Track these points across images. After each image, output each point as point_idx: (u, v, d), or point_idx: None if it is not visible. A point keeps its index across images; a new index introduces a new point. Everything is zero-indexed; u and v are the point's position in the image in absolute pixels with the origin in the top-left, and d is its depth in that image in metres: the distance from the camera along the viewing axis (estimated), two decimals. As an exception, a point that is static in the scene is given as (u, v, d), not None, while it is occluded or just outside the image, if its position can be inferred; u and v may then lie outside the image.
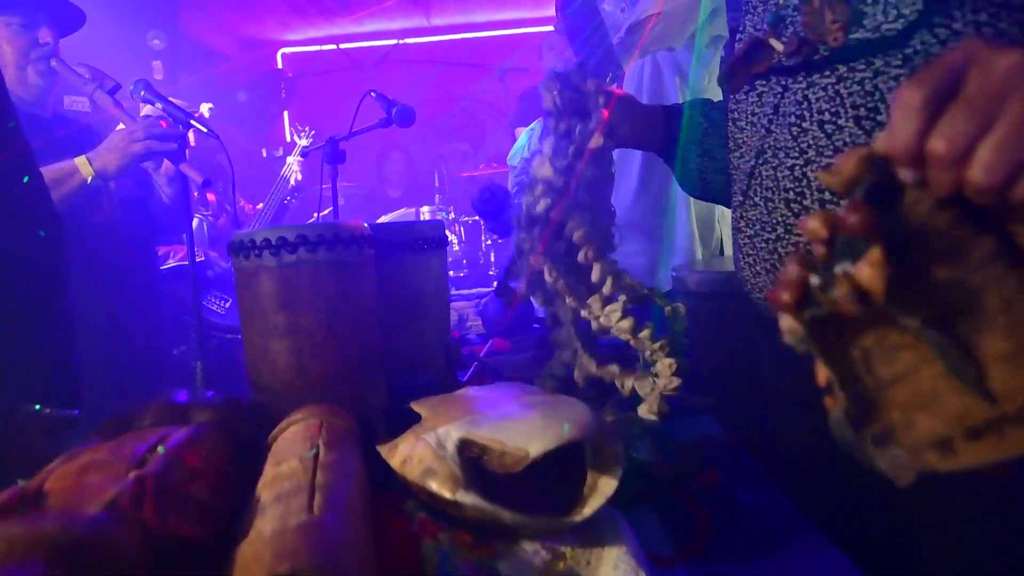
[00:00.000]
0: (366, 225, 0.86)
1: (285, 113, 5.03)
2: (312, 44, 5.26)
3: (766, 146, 0.78)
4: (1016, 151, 0.39)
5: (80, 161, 1.35)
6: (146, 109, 1.49)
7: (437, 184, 3.73)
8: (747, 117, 0.84)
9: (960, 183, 0.40)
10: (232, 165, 1.75)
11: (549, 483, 0.60)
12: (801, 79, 0.74)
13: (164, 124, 1.38)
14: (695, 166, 1.07)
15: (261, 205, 2.86)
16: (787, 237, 0.78)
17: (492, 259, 3.35)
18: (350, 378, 0.81)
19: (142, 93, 1.47)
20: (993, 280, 0.41)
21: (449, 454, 0.56)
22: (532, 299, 1.08)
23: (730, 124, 0.90)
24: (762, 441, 0.93)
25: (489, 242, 3.41)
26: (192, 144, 2.55)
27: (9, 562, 0.36)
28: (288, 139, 5.14)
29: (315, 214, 3.38)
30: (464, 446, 0.57)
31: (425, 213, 3.56)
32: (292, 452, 0.60)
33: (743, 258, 0.89)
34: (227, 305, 2.34)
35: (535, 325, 1.74)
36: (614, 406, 0.96)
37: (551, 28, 4.64)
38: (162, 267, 2.13)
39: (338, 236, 0.78)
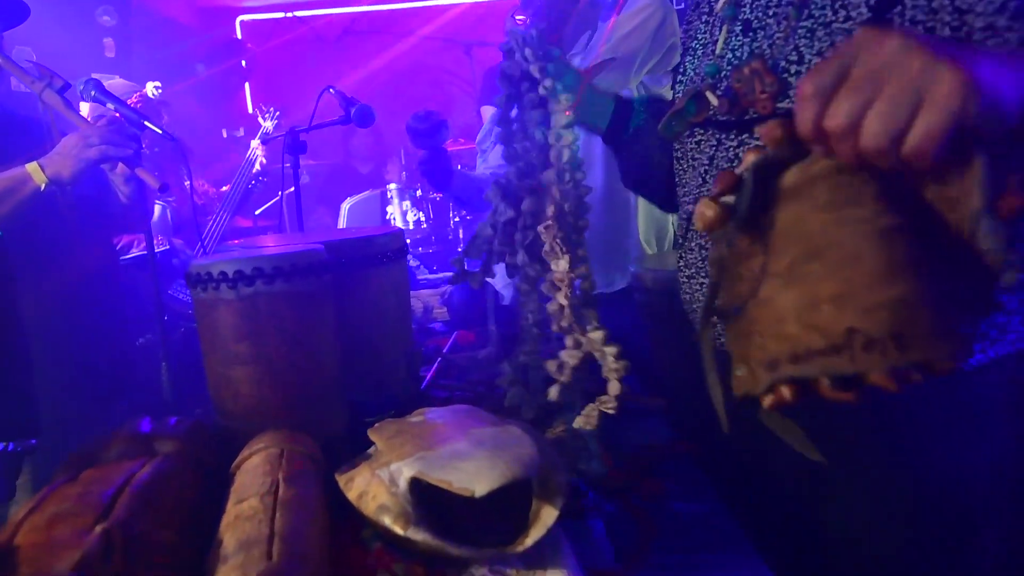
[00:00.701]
0: (323, 249, 0.88)
1: (247, 85, 4.90)
2: (271, 11, 5.10)
3: (703, 195, 0.82)
4: (894, 119, 0.46)
5: (32, 168, 1.32)
6: (86, 109, 1.44)
7: (403, 161, 3.70)
8: (688, 161, 0.88)
9: (858, 150, 0.48)
10: (188, 159, 1.73)
11: (499, 507, 0.65)
12: (734, 136, 0.78)
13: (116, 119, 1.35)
14: (634, 161, 1.09)
15: (226, 188, 2.82)
16: None
17: (460, 235, 3.36)
18: (310, 402, 0.84)
19: (92, 93, 1.44)
20: (835, 232, 0.51)
21: (401, 492, 0.61)
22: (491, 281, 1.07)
23: (675, 162, 0.93)
24: (708, 443, 0.99)
25: (457, 219, 3.41)
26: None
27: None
28: (250, 111, 5.02)
29: (279, 193, 3.35)
30: (415, 483, 0.61)
31: (392, 190, 3.54)
32: (252, 488, 0.64)
33: (683, 292, 0.93)
34: (192, 295, 2.33)
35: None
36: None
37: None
38: (124, 257, 2.10)
39: (295, 267, 0.80)
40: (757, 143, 0.72)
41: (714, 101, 0.76)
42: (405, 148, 3.84)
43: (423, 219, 3.51)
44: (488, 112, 3.17)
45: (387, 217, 3.48)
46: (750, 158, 0.54)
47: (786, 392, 0.52)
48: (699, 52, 0.87)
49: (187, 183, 1.66)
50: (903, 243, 0.49)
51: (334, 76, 4.92)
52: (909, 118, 0.46)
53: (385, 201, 3.49)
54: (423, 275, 3.03)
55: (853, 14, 0.69)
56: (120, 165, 1.40)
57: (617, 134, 1.04)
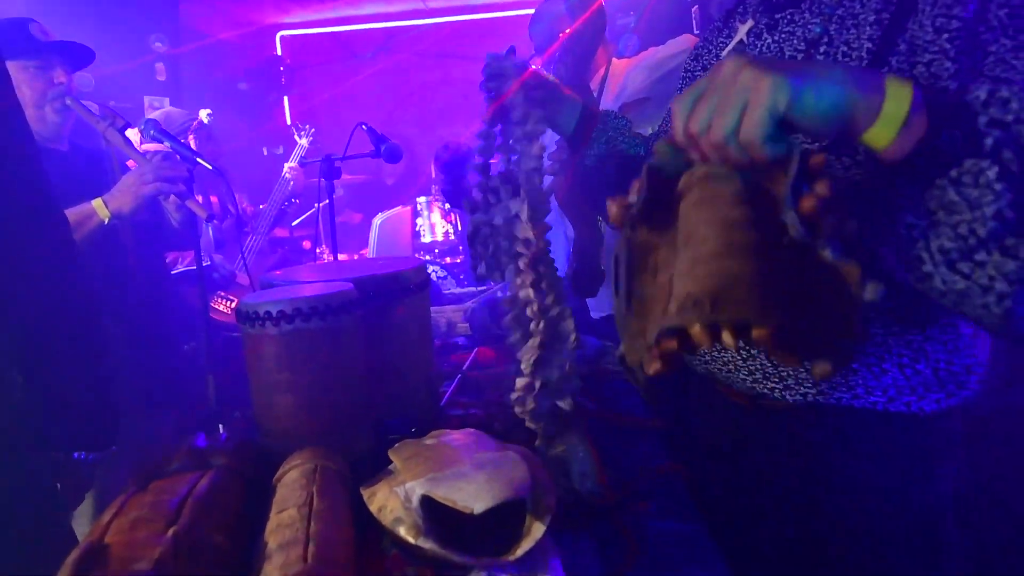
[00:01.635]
0: (353, 287, 1.00)
1: (285, 99, 5.12)
2: (310, 27, 5.31)
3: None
4: (729, 118, 0.58)
5: (97, 204, 1.48)
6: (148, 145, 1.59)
7: (434, 175, 3.84)
8: None
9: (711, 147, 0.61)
10: (230, 186, 1.89)
11: (498, 520, 0.76)
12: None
13: (172, 162, 1.51)
14: (590, 171, 1.17)
15: (263, 206, 2.99)
16: None
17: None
18: (341, 424, 0.96)
19: (152, 133, 1.59)
20: (697, 223, 0.63)
21: (414, 507, 0.72)
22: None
23: None
24: (697, 466, 1.08)
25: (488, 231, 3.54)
26: (194, 149, 2.68)
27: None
28: (288, 122, 5.24)
29: (316, 205, 3.51)
30: (426, 499, 0.72)
31: (421, 203, 3.69)
32: (291, 500, 0.76)
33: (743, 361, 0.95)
34: (232, 305, 2.49)
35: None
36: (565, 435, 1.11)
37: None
38: (172, 272, 2.28)
39: (329, 306, 0.93)
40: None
41: (673, 121, 0.85)
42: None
43: (451, 232, 3.65)
44: None
45: (417, 229, 3.63)
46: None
47: (665, 350, 0.64)
48: None
49: (231, 207, 1.81)
50: (742, 232, 0.61)
51: (368, 90, 5.11)
52: (740, 116, 0.58)
53: (415, 214, 3.64)
54: (450, 289, 3.16)
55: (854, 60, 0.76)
56: (172, 196, 1.56)
57: (578, 141, 1.14)
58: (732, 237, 0.60)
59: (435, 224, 3.64)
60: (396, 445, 0.88)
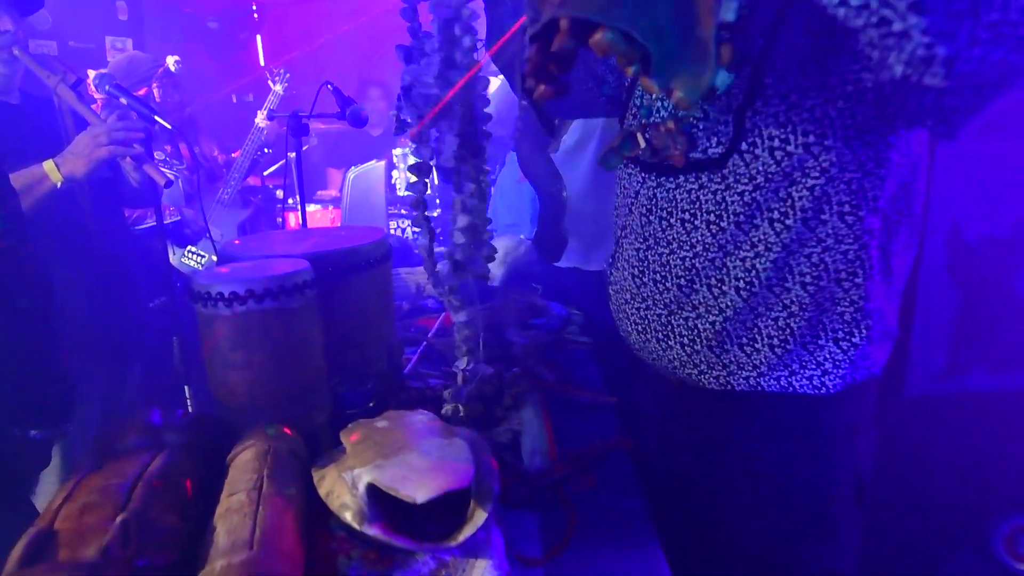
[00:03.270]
0: (309, 267, 1.00)
1: (258, 38, 4.92)
2: (284, -40, 5.05)
3: (631, 225, 0.94)
4: None
5: (49, 167, 1.44)
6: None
7: (411, 125, 3.77)
8: (621, 188, 0.99)
9: None
10: (198, 138, 1.84)
11: (444, 505, 0.79)
12: (654, 177, 0.89)
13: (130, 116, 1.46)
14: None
15: (236, 155, 2.92)
16: (679, 312, 0.93)
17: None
18: (297, 401, 0.98)
19: (107, 88, 1.54)
20: None
21: (360, 494, 0.75)
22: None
23: (615, 184, 1.04)
24: (643, 442, 1.12)
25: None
26: (158, 99, 2.59)
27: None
28: (262, 63, 5.06)
29: (287, 155, 3.43)
30: (371, 487, 0.75)
31: (397, 155, 3.62)
32: (241, 483, 0.78)
33: (630, 323, 1.03)
34: (204, 261, 2.47)
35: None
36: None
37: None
38: (139, 227, 2.24)
39: (283, 287, 0.93)
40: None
41: (642, 143, 0.86)
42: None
43: (429, 184, 3.60)
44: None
45: (392, 182, 3.58)
46: None
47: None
48: (641, 99, 0.97)
49: (202, 160, 1.76)
50: None
51: (346, 33, 4.92)
52: None
53: (391, 166, 3.58)
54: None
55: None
56: (128, 158, 1.51)
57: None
58: None
59: (410, 177, 3.59)
60: (348, 426, 0.90)
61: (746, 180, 0.80)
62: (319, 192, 3.96)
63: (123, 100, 1.52)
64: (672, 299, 0.91)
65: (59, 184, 1.45)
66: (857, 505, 0.91)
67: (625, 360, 1.26)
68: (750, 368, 0.88)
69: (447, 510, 0.79)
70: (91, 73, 2.29)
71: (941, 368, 1.48)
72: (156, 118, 1.50)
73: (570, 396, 1.31)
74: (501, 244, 1.89)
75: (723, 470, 0.94)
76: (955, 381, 1.53)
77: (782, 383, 0.87)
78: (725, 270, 0.85)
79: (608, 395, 1.30)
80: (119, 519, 0.67)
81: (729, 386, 0.91)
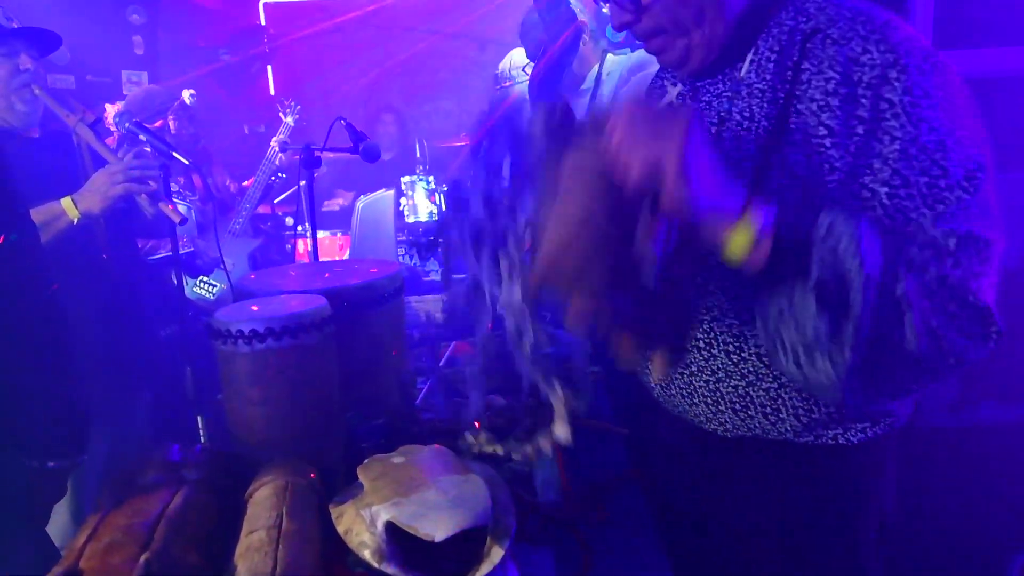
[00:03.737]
0: (326, 304, 1.02)
1: (269, 69, 5.01)
2: (294, -6, 5.18)
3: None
4: (641, 149, 0.64)
5: (67, 203, 1.48)
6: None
7: (419, 155, 3.81)
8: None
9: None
10: (212, 170, 1.87)
11: (463, 540, 0.79)
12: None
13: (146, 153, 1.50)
14: None
15: (248, 183, 2.97)
16: (699, 375, 0.92)
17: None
18: (313, 436, 0.99)
19: (127, 126, 1.58)
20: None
21: (378, 531, 0.76)
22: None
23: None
24: (655, 476, 1.12)
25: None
26: (173, 131, 2.65)
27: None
28: (272, 92, 5.15)
29: (299, 184, 3.49)
30: (390, 524, 0.76)
31: (406, 183, 3.67)
32: (261, 520, 0.79)
33: (678, 392, 1.00)
34: (215, 291, 2.50)
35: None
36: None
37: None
38: (153, 256, 2.27)
39: (301, 324, 0.95)
40: None
41: None
42: (421, 143, 3.97)
43: (435, 212, 3.65)
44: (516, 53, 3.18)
45: (400, 209, 3.62)
46: None
47: None
48: None
49: (214, 191, 1.79)
50: (597, 211, 0.65)
51: (354, 62, 5.02)
52: (649, 153, 0.63)
53: (400, 194, 3.62)
54: (433, 275, 3.16)
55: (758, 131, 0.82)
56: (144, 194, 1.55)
57: None
58: (584, 210, 0.65)
59: (419, 204, 3.63)
60: (365, 462, 0.91)
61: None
62: (327, 202, 4.00)
63: (142, 137, 1.56)
64: (702, 360, 0.91)
65: (76, 220, 1.48)
66: (880, 543, 0.91)
67: (636, 392, 1.27)
68: (775, 433, 0.88)
69: (464, 546, 0.79)
70: (109, 108, 2.35)
71: (953, 400, 1.47)
72: (174, 154, 1.53)
73: (581, 426, 1.32)
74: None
75: (743, 511, 0.93)
76: (967, 413, 1.53)
77: (803, 439, 0.88)
78: (743, 337, 0.86)
79: (618, 426, 1.31)
80: (143, 559, 0.68)
81: (742, 435, 0.91)
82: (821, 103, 0.76)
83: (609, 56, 1.99)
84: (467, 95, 5.10)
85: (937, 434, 1.52)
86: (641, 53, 1.98)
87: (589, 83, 1.95)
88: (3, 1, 1.66)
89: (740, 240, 0.67)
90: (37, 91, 1.58)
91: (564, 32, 1.12)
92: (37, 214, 1.52)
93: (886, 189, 0.73)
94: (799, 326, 0.69)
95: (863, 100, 0.74)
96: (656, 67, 1.87)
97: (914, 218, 0.72)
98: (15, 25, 1.65)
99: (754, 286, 0.74)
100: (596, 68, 1.96)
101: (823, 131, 0.76)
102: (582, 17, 1.95)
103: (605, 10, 0.92)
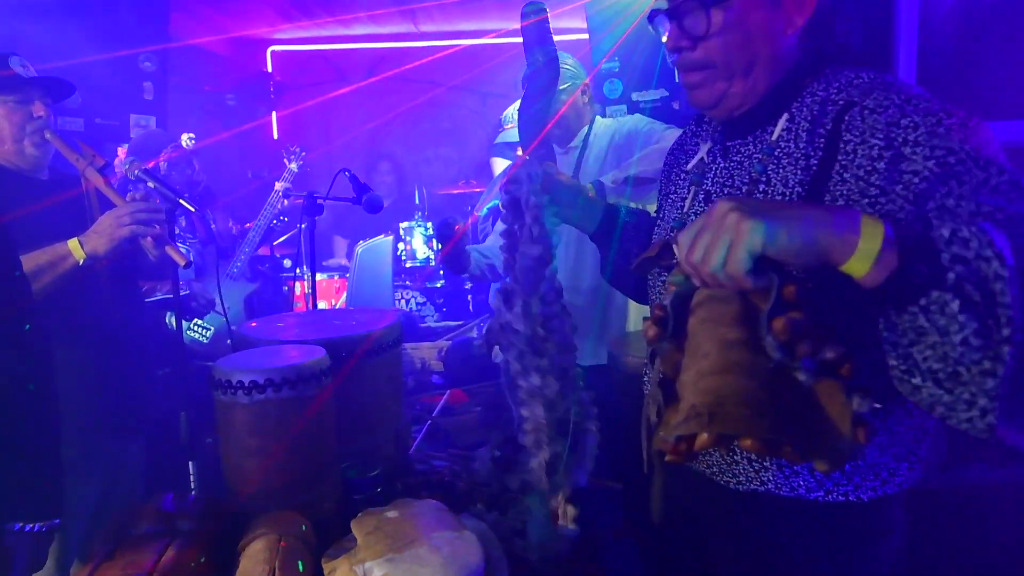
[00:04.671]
0: (325, 354, 1.04)
1: (274, 115, 5.13)
2: (300, 43, 5.34)
3: None
4: (717, 253, 0.68)
5: (73, 245, 1.50)
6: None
7: (418, 201, 3.88)
8: (657, 281, 1.03)
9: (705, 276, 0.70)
10: (214, 215, 1.90)
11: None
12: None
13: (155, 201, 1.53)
14: (612, 259, 1.25)
15: (249, 226, 3.01)
16: None
17: (468, 287, 3.53)
18: (308, 487, 0.99)
19: (136, 173, 1.62)
20: (704, 339, 0.72)
21: (372, 588, 0.76)
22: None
23: (648, 277, 1.08)
24: (650, 530, 1.12)
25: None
26: (162, 171, 2.70)
27: None
28: (275, 136, 5.25)
29: (299, 226, 3.54)
30: (384, 581, 0.76)
31: (404, 228, 3.72)
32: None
33: (645, 384, 1.04)
34: (209, 334, 2.50)
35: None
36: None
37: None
38: (149, 299, 2.28)
39: (300, 375, 0.96)
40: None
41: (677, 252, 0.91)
42: (420, 190, 4.05)
43: (432, 258, 3.69)
44: (497, 164, 3.34)
45: (398, 254, 3.66)
46: (670, 291, 0.78)
47: (678, 450, 0.72)
48: (674, 202, 1.03)
49: (215, 236, 1.81)
50: (738, 351, 0.69)
51: (356, 108, 5.15)
52: (727, 253, 0.68)
53: (398, 239, 3.67)
54: (427, 320, 3.19)
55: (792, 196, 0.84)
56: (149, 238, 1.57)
57: (603, 236, 1.20)
58: (730, 355, 0.69)
59: (416, 249, 3.68)
60: (359, 516, 0.91)
61: None
62: (327, 261, 4.05)
63: (151, 184, 1.59)
64: None
65: (81, 262, 1.50)
66: None
67: (631, 446, 1.28)
68: (787, 489, 0.89)
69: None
70: (121, 151, 2.40)
71: (942, 461, 1.48)
72: (181, 200, 1.57)
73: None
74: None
75: (751, 568, 0.93)
76: (956, 474, 1.54)
77: (815, 495, 0.88)
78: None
79: (613, 480, 1.31)
80: (135, 613, 0.68)
81: (759, 491, 0.91)
82: (868, 168, 0.78)
83: (598, 119, 2.06)
84: (467, 143, 5.22)
85: (927, 496, 1.52)
86: (628, 121, 2.05)
87: (578, 141, 2.01)
88: (21, 48, 1.72)
89: (865, 251, 0.66)
90: (49, 135, 1.62)
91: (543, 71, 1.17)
92: (42, 255, 1.54)
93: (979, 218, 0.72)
94: (941, 337, 0.65)
95: (914, 156, 0.76)
96: (640, 139, 1.93)
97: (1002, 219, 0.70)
98: (32, 73, 1.71)
99: (876, 307, 0.72)
100: (586, 129, 2.02)
101: (875, 191, 0.77)
102: (574, 70, 2.01)
103: (661, 37, 0.93)
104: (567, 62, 2.09)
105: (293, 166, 3.20)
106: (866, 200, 0.78)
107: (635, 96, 2.87)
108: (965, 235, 0.65)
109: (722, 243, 0.67)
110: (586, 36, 3.23)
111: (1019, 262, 0.64)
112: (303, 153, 3.33)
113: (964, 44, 1.60)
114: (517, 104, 2.85)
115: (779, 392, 0.68)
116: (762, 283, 0.68)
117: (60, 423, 1.18)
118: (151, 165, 2.62)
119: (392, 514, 0.90)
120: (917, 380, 0.70)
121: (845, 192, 0.80)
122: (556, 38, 1.30)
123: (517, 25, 1.30)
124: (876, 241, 0.66)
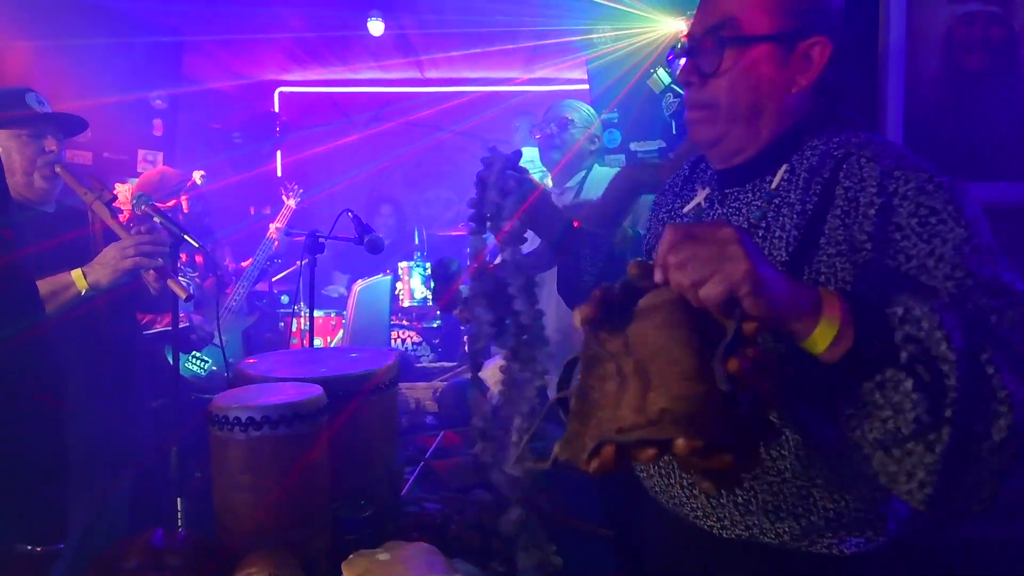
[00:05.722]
0: (322, 392, 1.05)
1: (278, 153, 5.22)
2: (308, 86, 5.47)
3: None
4: (699, 275, 0.65)
5: (76, 275, 1.53)
6: None
7: (417, 242, 3.93)
8: None
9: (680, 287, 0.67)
10: (219, 256, 1.93)
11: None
12: None
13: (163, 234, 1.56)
14: (570, 275, 1.25)
15: (246, 264, 3.04)
16: None
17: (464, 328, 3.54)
18: (300, 525, 0.99)
19: (143, 208, 1.65)
20: (665, 344, 0.68)
21: (360, 631, 0.75)
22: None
23: None
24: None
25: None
26: (186, 211, 2.74)
27: None
28: (279, 174, 5.34)
29: (298, 263, 3.57)
30: (372, 624, 0.75)
31: (402, 268, 3.76)
32: (243, 615, 0.78)
33: (654, 467, 1.02)
34: (207, 367, 2.50)
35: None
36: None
37: (537, 88, 4.92)
38: (148, 331, 2.29)
39: (296, 413, 0.97)
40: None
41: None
42: (420, 231, 4.11)
43: (429, 297, 3.72)
44: (526, 151, 3.39)
45: (396, 293, 3.68)
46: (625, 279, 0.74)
47: (609, 454, 0.66)
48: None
49: (215, 270, 1.84)
50: (705, 360, 0.66)
51: (360, 149, 5.25)
52: (708, 276, 0.65)
53: (395, 278, 3.70)
54: (422, 360, 3.19)
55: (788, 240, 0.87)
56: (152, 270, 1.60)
57: (562, 248, 1.21)
58: (699, 363, 0.67)
59: (414, 289, 3.70)
60: (350, 557, 0.91)
61: None
62: (326, 288, 4.06)
63: (157, 219, 1.62)
64: None
65: (84, 292, 1.52)
66: None
67: (624, 491, 1.27)
68: (772, 535, 0.89)
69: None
70: (119, 187, 2.43)
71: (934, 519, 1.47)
72: (185, 236, 1.59)
73: (565, 527, 1.31)
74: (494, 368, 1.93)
75: None
76: (957, 530, 1.53)
77: (798, 544, 0.88)
78: None
79: (605, 525, 1.30)
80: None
81: (749, 540, 0.91)
82: (862, 214, 0.81)
83: (596, 167, 2.12)
84: (468, 186, 5.27)
85: (928, 553, 1.50)
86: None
87: (574, 182, 2.06)
88: (36, 84, 1.78)
89: (824, 331, 0.68)
90: (59, 170, 1.66)
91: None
92: (45, 284, 1.56)
93: (950, 282, 0.76)
94: (895, 413, 0.68)
95: (900, 209, 0.79)
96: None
97: (971, 286, 0.75)
98: (46, 108, 1.76)
99: (832, 379, 0.73)
100: (584, 173, 2.08)
101: (863, 237, 0.80)
102: (587, 116, 2.10)
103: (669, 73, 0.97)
104: (581, 109, 2.18)
105: (291, 203, 3.25)
106: (855, 245, 0.81)
107: (633, 146, 2.95)
108: (917, 314, 0.68)
109: (709, 266, 0.66)
110: (587, 87, 3.33)
111: (968, 343, 0.68)
112: (300, 190, 3.39)
113: (948, 107, 1.66)
114: (524, 151, 2.91)
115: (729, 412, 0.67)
116: (724, 311, 0.68)
117: (68, 448, 1.18)
118: (172, 204, 2.67)
119: (383, 556, 0.90)
120: (868, 450, 0.72)
121: (837, 238, 0.82)
122: (560, 87, 1.35)
123: (518, 75, 1.34)
124: (834, 325, 0.68)
